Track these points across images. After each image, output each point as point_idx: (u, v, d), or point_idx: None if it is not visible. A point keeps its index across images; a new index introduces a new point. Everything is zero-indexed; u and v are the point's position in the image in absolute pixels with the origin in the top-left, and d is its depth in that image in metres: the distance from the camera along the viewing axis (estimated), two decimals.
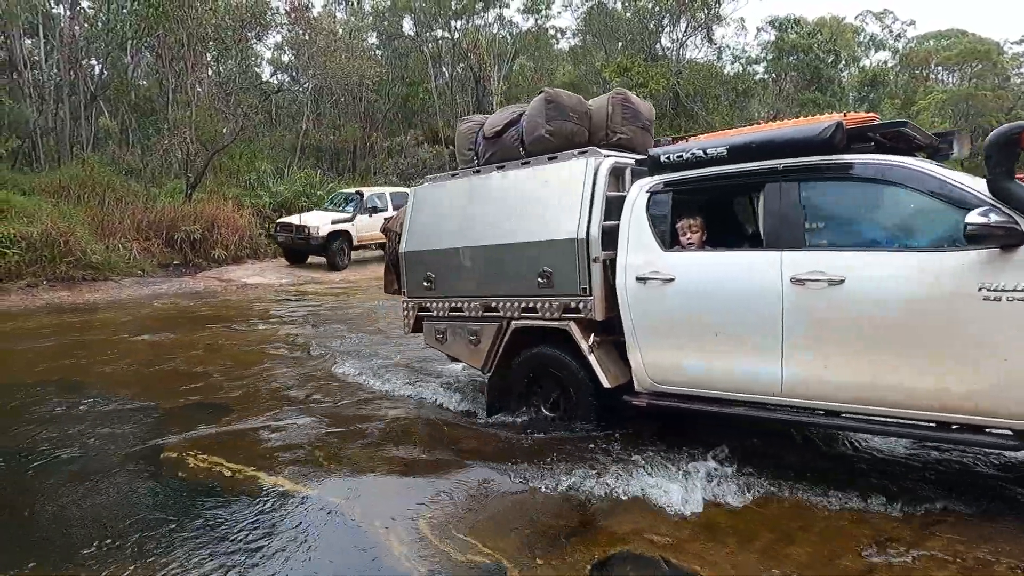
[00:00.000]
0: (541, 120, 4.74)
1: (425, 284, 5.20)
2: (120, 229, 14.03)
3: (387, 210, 16.48)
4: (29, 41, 19.75)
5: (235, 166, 19.95)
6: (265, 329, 9.50)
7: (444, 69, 27.77)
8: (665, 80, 21.97)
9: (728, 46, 26.14)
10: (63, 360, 7.61)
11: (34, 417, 5.54)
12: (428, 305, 5.24)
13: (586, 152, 4.45)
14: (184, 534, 3.56)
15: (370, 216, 15.94)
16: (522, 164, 4.77)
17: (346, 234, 15.64)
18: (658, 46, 24.31)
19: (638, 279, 4.09)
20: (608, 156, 4.44)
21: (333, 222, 15.37)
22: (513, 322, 4.70)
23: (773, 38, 26.02)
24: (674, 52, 24.44)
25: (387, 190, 17.19)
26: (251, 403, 5.87)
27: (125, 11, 18.62)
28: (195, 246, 14.83)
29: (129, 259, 13.49)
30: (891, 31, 40.72)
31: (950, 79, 38.11)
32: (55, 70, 19.04)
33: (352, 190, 17.34)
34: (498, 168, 4.92)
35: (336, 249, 15.33)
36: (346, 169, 24.04)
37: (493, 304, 4.80)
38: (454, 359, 5.51)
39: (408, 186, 19.60)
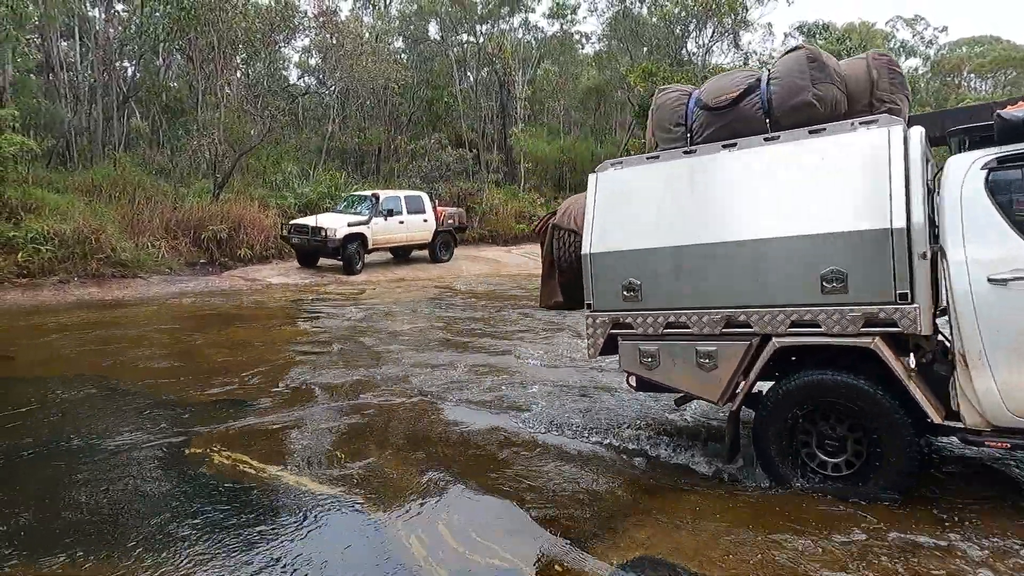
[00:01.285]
0: (805, 83, 3.83)
1: (626, 293, 4.17)
2: (149, 228, 14.29)
3: (402, 213, 16.13)
4: (65, 43, 20.24)
5: (262, 167, 20.22)
6: (292, 328, 9.60)
7: (469, 73, 27.89)
8: (691, 85, 21.85)
9: (755, 52, 25.89)
10: (93, 355, 7.76)
11: (65, 411, 5.65)
12: (629, 320, 4.19)
13: (876, 121, 3.59)
14: (205, 531, 3.60)
15: (385, 219, 15.71)
16: (766, 140, 3.85)
17: (361, 237, 15.35)
18: (684, 51, 24.20)
19: (991, 280, 3.24)
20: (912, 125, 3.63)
21: (350, 224, 15.09)
22: (775, 339, 3.71)
23: None
24: (700, 57, 24.29)
25: (402, 193, 16.98)
26: (277, 401, 5.93)
27: (158, 14, 18.98)
28: (221, 245, 15.04)
29: (157, 257, 13.73)
30: (923, 37, 40.00)
31: (983, 86, 37.35)
32: (89, 72, 19.47)
33: (368, 192, 17.06)
34: (726, 147, 3.97)
35: (352, 252, 15.07)
36: (371, 172, 24.23)
37: (741, 317, 3.81)
38: (659, 387, 4.33)
39: (432, 189, 19.78)
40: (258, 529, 3.62)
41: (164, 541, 3.48)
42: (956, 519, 3.37)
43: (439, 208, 17.31)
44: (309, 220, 15.31)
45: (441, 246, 17.26)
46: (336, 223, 14.94)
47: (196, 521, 3.70)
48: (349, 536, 3.60)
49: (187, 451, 4.74)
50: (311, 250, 15.21)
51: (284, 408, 5.73)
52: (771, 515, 3.48)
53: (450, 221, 17.42)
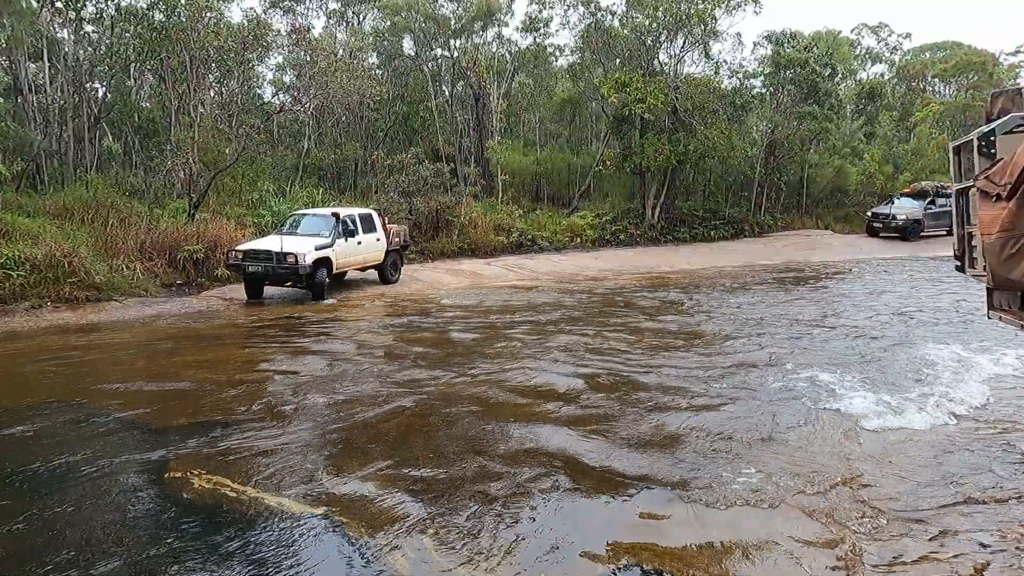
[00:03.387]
0: None
1: None
2: (124, 250, 14.09)
3: (358, 232, 14.81)
4: (34, 65, 19.96)
5: (237, 186, 20.04)
6: (270, 348, 9.52)
7: (444, 87, 27.98)
8: (663, 95, 22.11)
9: (725, 61, 26.23)
10: (68, 381, 7.63)
11: (41, 438, 5.55)
12: None
13: None
14: (187, 555, 3.56)
15: (346, 240, 14.32)
16: None
17: (328, 261, 13.83)
18: (656, 62, 24.50)
19: None
20: None
21: (317, 248, 13.51)
22: None
23: (770, 52, 26.22)
24: (672, 67, 24.62)
25: (356, 211, 15.57)
26: (257, 422, 5.88)
27: (128, 35, 18.79)
28: (198, 266, 14.86)
29: (132, 279, 13.53)
30: (887, 44, 41.00)
31: (946, 91, 38.31)
32: (59, 93, 19.22)
33: (322, 210, 15.54)
34: None
35: (323, 279, 13.64)
36: (348, 187, 24.15)
37: None
38: None
39: (410, 203, 19.79)
40: (239, 553, 3.59)
41: (145, 568, 3.43)
42: None
43: (388, 226, 16.17)
44: (269, 244, 13.45)
45: (391, 266, 16.03)
46: (303, 247, 13.29)
47: (177, 547, 3.66)
48: (331, 556, 3.58)
49: (167, 475, 4.69)
50: (272, 279, 13.51)
51: (264, 428, 5.69)
52: None
53: (396, 239, 16.23)
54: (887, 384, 6.82)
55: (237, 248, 13.79)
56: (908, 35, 42.49)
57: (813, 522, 3.93)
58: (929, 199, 26.09)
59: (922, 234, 25.67)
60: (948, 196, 27.13)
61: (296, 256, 13.09)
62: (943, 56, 38.27)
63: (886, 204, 26.89)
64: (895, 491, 4.32)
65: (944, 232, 26.73)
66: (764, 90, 26.93)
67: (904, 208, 26.01)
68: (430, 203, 20.49)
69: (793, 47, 25.84)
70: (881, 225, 26.06)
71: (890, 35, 40.78)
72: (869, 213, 26.96)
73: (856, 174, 28.93)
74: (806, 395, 6.48)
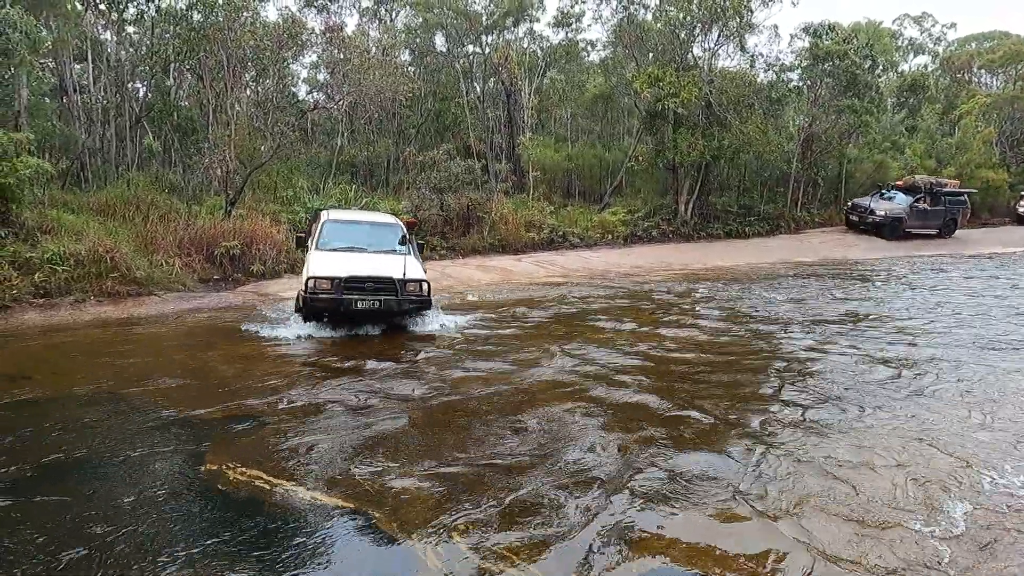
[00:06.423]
0: None
1: None
2: (163, 245, 14.41)
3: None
4: (78, 66, 20.54)
5: (272, 183, 20.36)
6: (305, 344, 9.63)
7: (475, 84, 28.00)
8: (697, 89, 21.77)
9: (761, 54, 25.66)
10: (108, 373, 7.83)
11: (82, 428, 5.70)
12: None
13: None
14: (220, 547, 3.61)
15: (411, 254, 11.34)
16: None
17: None
18: (689, 56, 24.11)
19: None
20: None
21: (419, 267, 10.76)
22: None
23: (807, 45, 25.61)
24: (706, 61, 24.22)
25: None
26: (291, 417, 5.95)
27: (168, 35, 19.22)
28: (234, 261, 15.12)
29: (171, 275, 13.83)
30: (930, 35, 39.82)
31: (993, 82, 37.02)
32: (103, 93, 19.75)
33: (385, 217, 13.16)
34: None
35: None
36: (379, 184, 24.34)
37: None
38: None
39: (441, 200, 19.85)
40: (271, 546, 3.63)
41: (181, 560, 3.49)
42: None
43: None
44: (382, 268, 9.98)
45: None
46: (418, 270, 10.46)
47: (211, 539, 3.71)
48: (364, 551, 3.60)
49: (203, 468, 4.77)
50: (393, 315, 10.08)
51: (298, 422, 5.75)
52: None
53: None
54: None
55: (323, 275, 9.63)
56: (953, 25, 41.34)
57: None
58: (920, 195, 24.67)
59: (908, 232, 24.35)
60: (942, 195, 25.14)
61: (421, 284, 10.14)
62: (990, 46, 37.00)
63: (872, 196, 25.42)
64: None
65: (934, 232, 25.11)
66: (801, 83, 26.34)
67: (885, 205, 24.60)
68: (461, 200, 20.52)
69: (832, 39, 25.21)
70: (858, 219, 24.69)
71: (934, 25, 39.61)
72: (849, 203, 25.54)
73: (897, 169, 28.15)
74: None
